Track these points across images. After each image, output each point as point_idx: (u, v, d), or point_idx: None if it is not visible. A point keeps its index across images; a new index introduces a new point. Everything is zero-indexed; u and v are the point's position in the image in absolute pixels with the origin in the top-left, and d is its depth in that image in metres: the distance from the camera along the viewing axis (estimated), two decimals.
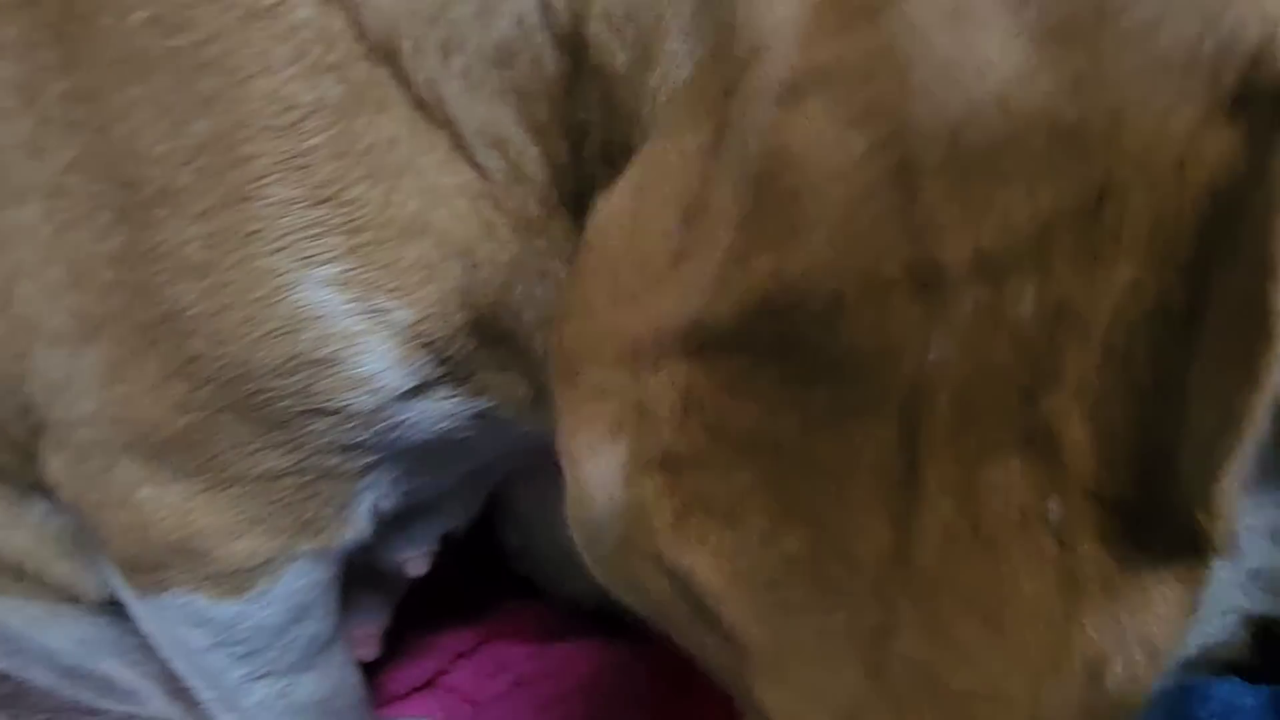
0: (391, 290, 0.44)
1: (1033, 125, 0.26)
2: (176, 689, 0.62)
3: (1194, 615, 0.31)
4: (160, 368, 0.47)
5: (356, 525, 0.53)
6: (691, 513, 0.32)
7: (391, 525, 0.55)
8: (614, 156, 0.41)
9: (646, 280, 0.30)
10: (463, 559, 0.70)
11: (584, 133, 0.41)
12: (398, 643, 0.72)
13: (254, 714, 0.59)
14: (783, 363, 0.30)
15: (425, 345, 0.45)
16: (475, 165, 0.43)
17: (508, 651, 0.75)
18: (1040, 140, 0.26)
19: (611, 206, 0.31)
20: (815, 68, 0.27)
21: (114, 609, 0.59)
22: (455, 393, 0.47)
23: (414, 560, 0.64)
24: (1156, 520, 0.29)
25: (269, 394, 0.46)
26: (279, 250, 0.44)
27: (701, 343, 0.30)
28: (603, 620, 0.79)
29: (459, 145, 0.43)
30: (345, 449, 0.48)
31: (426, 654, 0.75)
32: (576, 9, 0.39)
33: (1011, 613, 0.30)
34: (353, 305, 0.44)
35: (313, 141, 0.43)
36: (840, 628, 0.32)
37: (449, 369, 0.46)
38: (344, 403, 0.46)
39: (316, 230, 0.44)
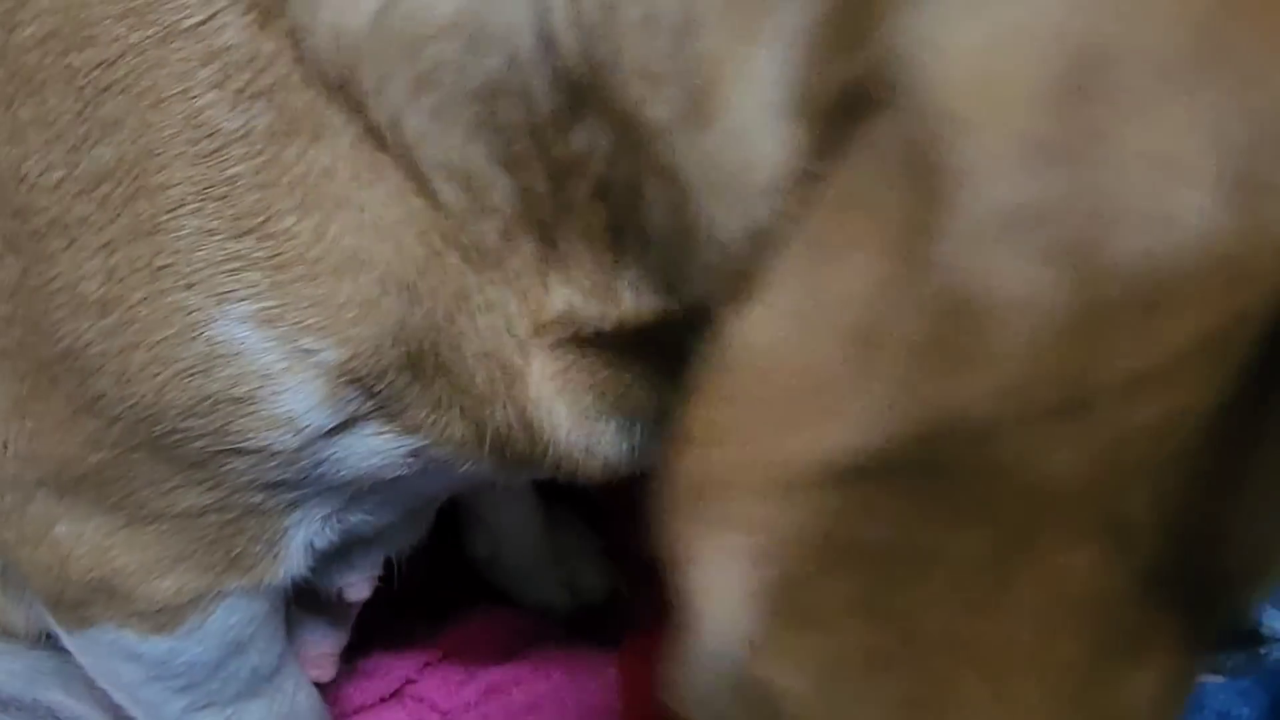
0: (320, 329, 0.41)
1: (1212, 267, 0.26)
2: (124, 717, 0.58)
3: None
4: (66, 404, 0.44)
5: (289, 561, 0.50)
6: (791, 625, 0.31)
7: (329, 554, 0.52)
8: (614, 195, 0.39)
9: (818, 408, 0.29)
10: (429, 567, 0.69)
11: (575, 169, 0.39)
12: (364, 652, 0.71)
13: None
14: (924, 485, 0.29)
15: (353, 382, 0.43)
16: (429, 196, 0.40)
17: (477, 659, 0.73)
18: (1214, 278, 0.26)
19: (764, 330, 0.30)
20: (1020, 205, 0.27)
21: (50, 641, 0.57)
22: (384, 429, 0.45)
23: (355, 585, 0.61)
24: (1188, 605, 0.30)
25: (182, 434, 0.43)
26: (192, 285, 0.41)
27: (857, 469, 0.29)
28: (573, 627, 0.78)
29: (413, 176, 0.40)
30: (268, 486, 0.46)
31: (394, 663, 0.73)
32: (595, 57, 0.36)
33: (1068, 682, 0.31)
34: (274, 344, 0.41)
35: (235, 170, 0.40)
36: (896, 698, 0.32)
37: (378, 404, 0.44)
38: (264, 442, 0.43)
39: (236, 264, 0.41)
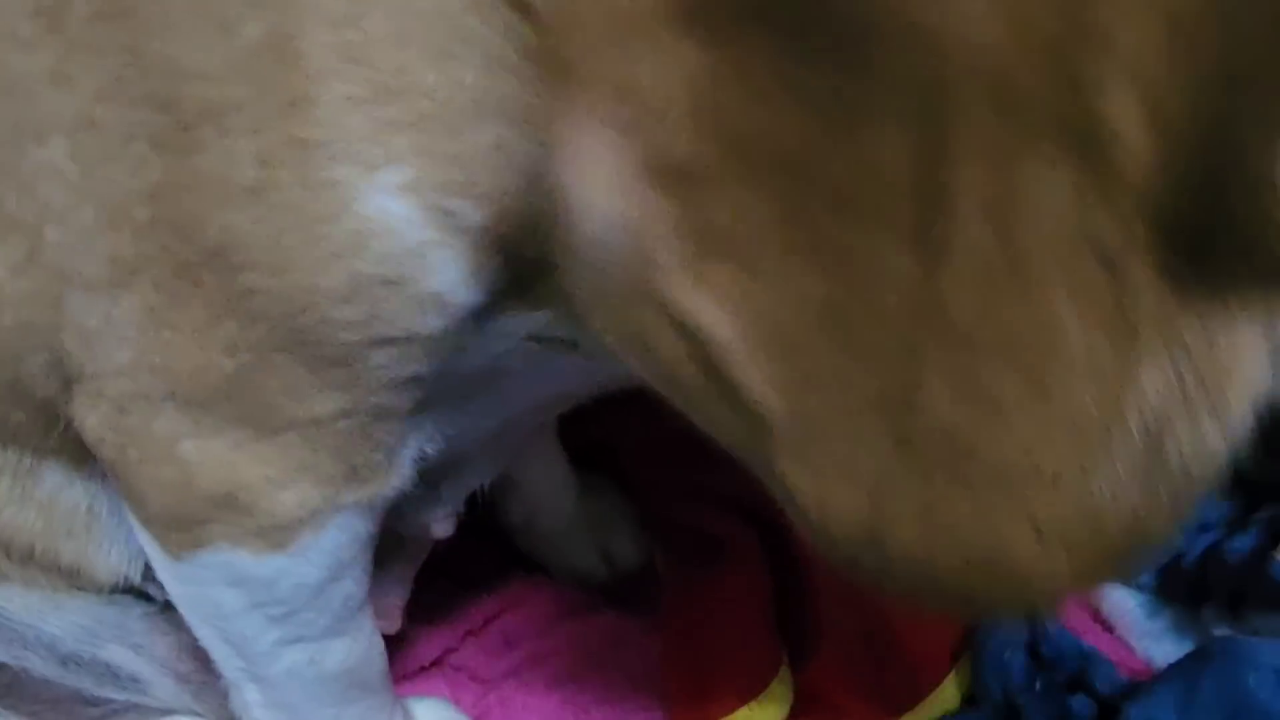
0: (464, 187, 0.41)
1: None
2: (184, 673, 0.60)
3: (1273, 360, 0.25)
4: (206, 309, 0.44)
5: (401, 473, 0.50)
6: (702, 248, 0.29)
7: (420, 485, 0.53)
8: None
9: None
10: (468, 538, 0.69)
11: None
12: (405, 622, 0.71)
13: (281, 682, 0.56)
14: (797, 45, 0.25)
15: (497, 246, 0.42)
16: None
17: (516, 629, 0.74)
18: None
19: None
20: None
21: (120, 592, 0.57)
22: (518, 306, 0.45)
23: (440, 522, 0.62)
24: (1225, 240, 0.24)
25: (329, 326, 0.43)
26: (339, 158, 0.40)
27: (707, 11, 0.26)
28: (611, 595, 0.78)
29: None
30: (402, 384, 0.46)
31: (434, 633, 0.74)
32: None
33: (1055, 364, 0.25)
34: (421, 214, 0.41)
35: (374, 29, 0.39)
36: (865, 392, 0.28)
37: (515, 273, 0.43)
38: (411, 327, 0.43)
39: (380, 130, 0.40)
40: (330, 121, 0.40)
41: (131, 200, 0.44)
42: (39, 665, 0.60)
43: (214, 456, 0.48)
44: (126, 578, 0.57)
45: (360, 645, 0.57)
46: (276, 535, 0.50)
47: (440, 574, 0.70)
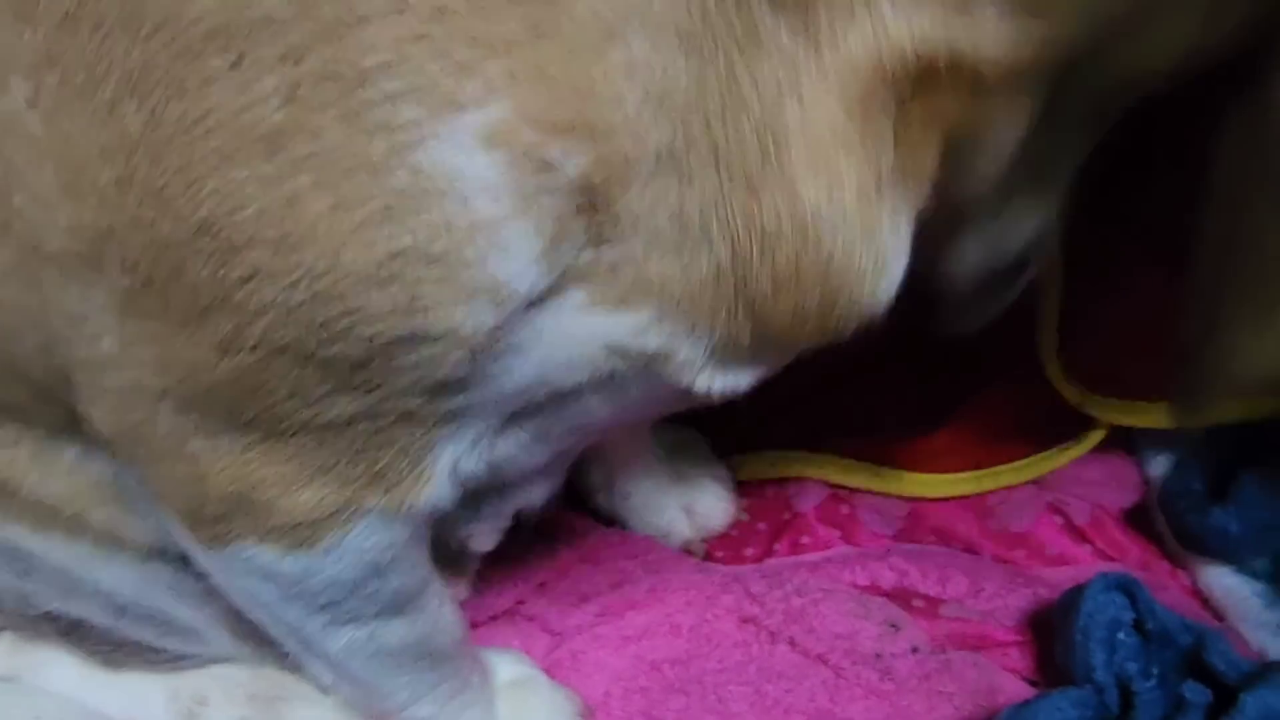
0: (570, 128, 0.33)
1: None
2: (242, 629, 0.56)
3: None
4: (192, 298, 0.36)
5: (433, 485, 0.43)
6: None
7: (459, 503, 0.47)
8: None
9: None
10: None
11: None
12: (478, 571, 0.69)
13: (341, 658, 0.52)
14: None
15: (590, 207, 0.34)
16: None
17: (591, 582, 0.70)
18: None
19: None
20: None
21: (164, 553, 0.53)
22: (593, 301, 0.37)
23: (479, 537, 0.57)
24: None
25: (353, 317, 0.35)
26: (407, 92, 0.32)
27: None
28: (688, 554, 0.76)
29: None
30: (431, 389, 0.38)
31: (506, 582, 0.70)
32: None
33: None
34: (502, 170, 0.33)
35: None
36: None
37: (599, 252, 0.36)
38: (452, 320, 0.35)
39: (475, 54, 0.32)
40: (403, 40, 0.32)
41: (95, 157, 0.35)
42: (98, 614, 0.57)
43: (224, 455, 0.41)
44: (163, 544, 0.52)
45: (424, 622, 0.52)
46: (299, 534, 0.44)
47: (515, 525, 0.68)
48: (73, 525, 0.51)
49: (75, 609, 0.56)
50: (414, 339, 0.36)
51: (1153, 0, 0.33)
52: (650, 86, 0.33)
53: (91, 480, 0.49)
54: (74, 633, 0.58)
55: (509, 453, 0.46)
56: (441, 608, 0.53)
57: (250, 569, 0.46)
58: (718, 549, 0.75)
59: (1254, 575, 0.66)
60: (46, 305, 0.39)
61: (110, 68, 0.33)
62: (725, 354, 0.41)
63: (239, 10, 0.32)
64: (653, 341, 0.39)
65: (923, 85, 0.36)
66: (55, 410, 0.45)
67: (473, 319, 0.36)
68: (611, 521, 0.76)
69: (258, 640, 0.56)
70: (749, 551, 0.74)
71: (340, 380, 0.37)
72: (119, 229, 0.35)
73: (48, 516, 0.51)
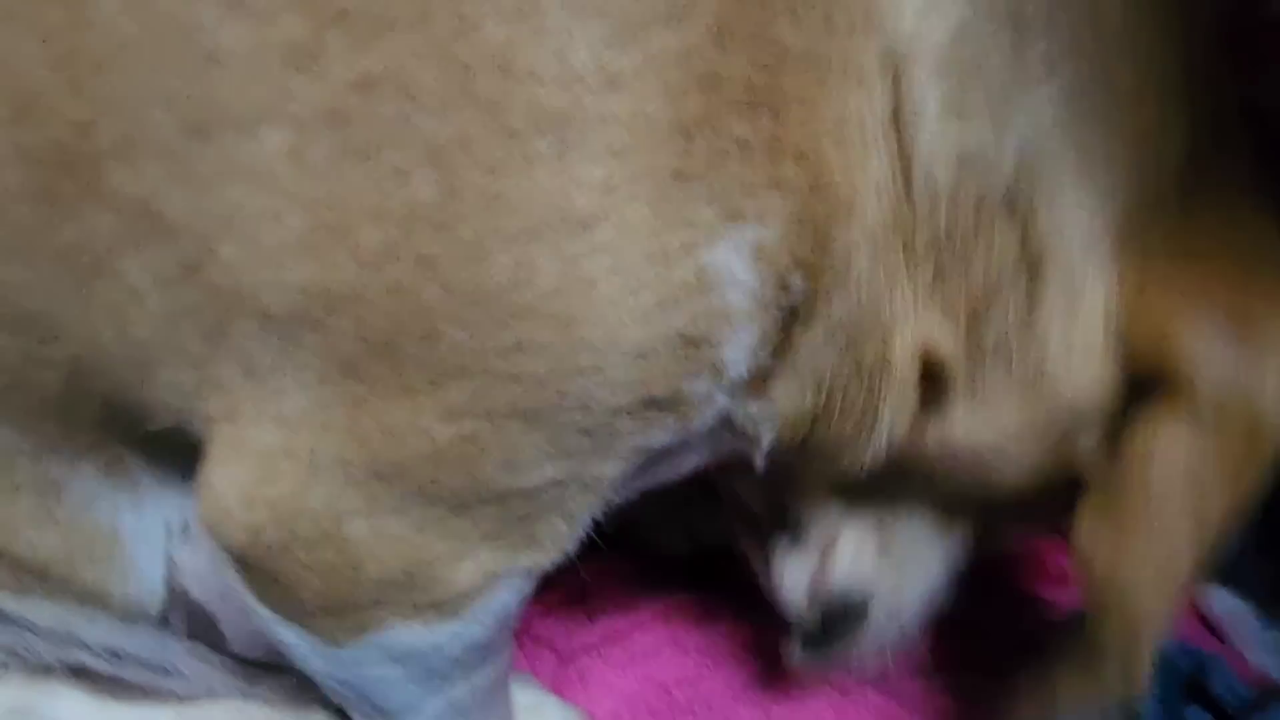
0: (807, 267, 0.37)
1: None
2: (238, 678, 0.56)
3: None
4: (433, 366, 0.36)
5: (576, 538, 0.44)
6: None
7: None
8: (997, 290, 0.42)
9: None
10: None
11: (986, 244, 0.42)
12: None
13: (436, 717, 0.50)
14: None
15: (788, 317, 0.39)
16: (907, 180, 0.40)
17: (598, 604, 0.70)
18: None
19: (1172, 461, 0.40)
20: None
21: (145, 617, 0.51)
22: (758, 395, 0.42)
23: None
24: None
25: (606, 388, 0.37)
26: (712, 200, 0.35)
27: None
28: (695, 573, 0.76)
29: (904, 157, 0.40)
30: (630, 453, 0.40)
31: None
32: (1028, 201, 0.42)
33: None
34: (761, 279, 0.37)
35: (788, 81, 0.35)
36: None
37: (779, 355, 0.41)
38: (682, 391, 0.38)
39: (763, 183, 0.36)
40: (711, 156, 0.35)
41: (364, 220, 0.35)
42: (94, 663, 0.55)
43: (390, 536, 0.40)
44: (147, 610, 0.50)
45: (502, 664, 0.53)
46: (452, 605, 0.43)
47: None
48: (55, 587, 0.49)
49: (72, 658, 0.55)
50: (647, 405, 0.38)
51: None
52: (870, 249, 0.40)
53: (87, 535, 0.47)
54: (78, 674, 0.58)
55: (628, 494, 0.48)
56: (508, 650, 0.53)
57: (383, 655, 0.44)
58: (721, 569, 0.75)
59: (1254, 596, 0.67)
60: (214, 354, 0.38)
61: (409, 136, 0.33)
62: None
63: (573, 103, 0.33)
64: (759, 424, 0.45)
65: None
66: (104, 447, 0.43)
67: (697, 391, 0.38)
68: (617, 541, 0.76)
69: (255, 683, 0.56)
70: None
71: (558, 446, 0.38)
72: (369, 292, 0.35)
73: (32, 578, 0.49)
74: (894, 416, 0.44)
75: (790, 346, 0.40)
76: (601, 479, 0.41)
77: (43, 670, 0.59)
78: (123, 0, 0.35)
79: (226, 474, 0.40)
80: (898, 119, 0.39)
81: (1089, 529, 0.43)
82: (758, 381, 0.41)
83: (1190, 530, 0.41)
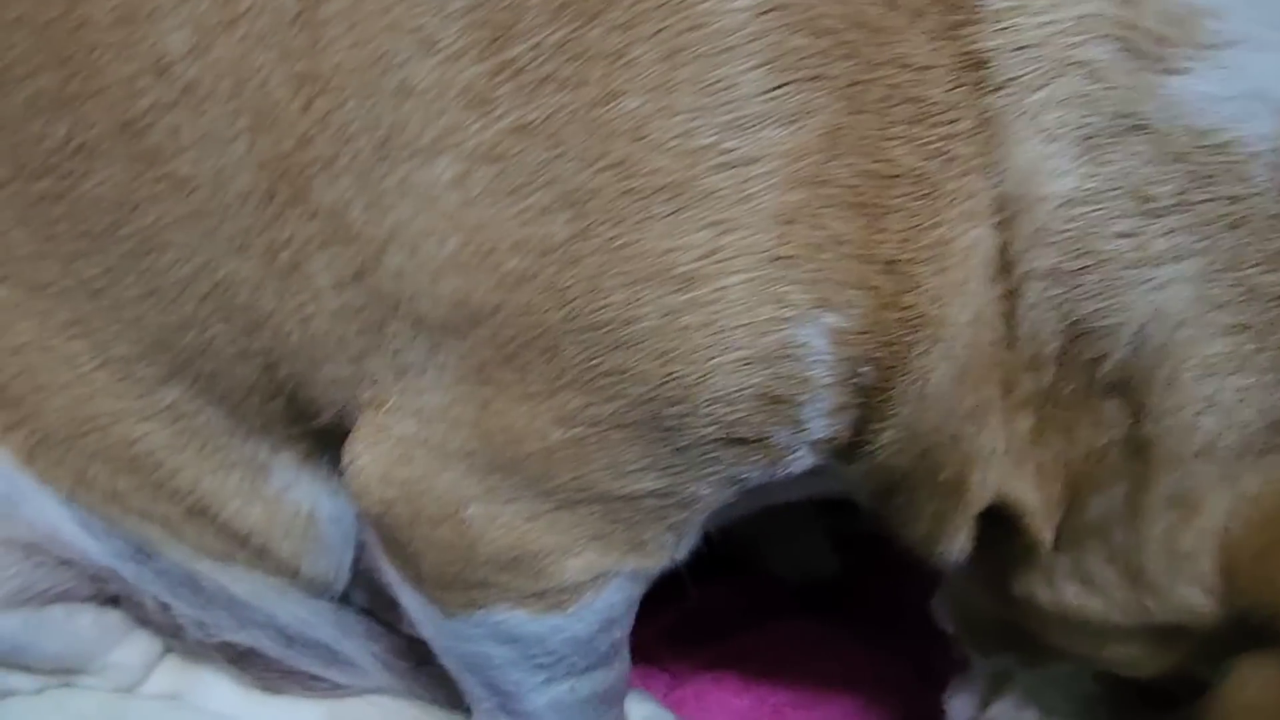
0: (876, 362, 0.41)
1: None
2: (400, 669, 0.59)
3: None
4: (552, 377, 0.41)
5: (685, 550, 0.49)
6: None
7: None
8: (1097, 466, 0.43)
9: None
10: None
11: (1090, 413, 0.42)
12: None
13: (540, 714, 0.54)
14: None
15: (865, 406, 0.43)
16: (1010, 326, 0.42)
17: (711, 626, 0.72)
18: None
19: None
20: None
21: (331, 590, 0.56)
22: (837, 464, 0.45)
23: None
24: None
25: (695, 419, 0.41)
26: (799, 283, 0.39)
27: None
28: (808, 599, 0.76)
29: (1008, 305, 0.42)
30: (724, 481, 0.44)
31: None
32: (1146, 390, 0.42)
33: None
34: (833, 360, 0.41)
35: (896, 199, 0.39)
36: None
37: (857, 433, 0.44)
38: (764, 436, 0.42)
39: (852, 281, 0.40)
40: (809, 246, 0.39)
41: (509, 247, 0.40)
42: (268, 645, 0.60)
43: (502, 522, 0.45)
44: (326, 587, 0.56)
45: (617, 671, 0.56)
46: (557, 597, 0.48)
47: None
48: (255, 556, 0.55)
49: (248, 639, 0.60)
50: (733, 442, 0.42)
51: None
52: (927, 380, 0.42)
53: (288, 513, 0.54)
54: (242, 660, 0.62)
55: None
56: (625, 657, 0.57)
57: (491, 634, 0.49)
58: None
59: None
60: (372, 349, 0.45)
61: (553, 181, 0.39)
62: None
63: (697, 177, 0.39)
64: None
65: None
66: (299, 434, 0.50)
67: (779, 440, 0.42)
68: (731, 566, 0.78)
69: (414, 676, 0.60)
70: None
71: (656, 461, 0.43)
72: (506, 309, 0.41)
73: (235, 545, 0.55)
74: (958, 535, 0.45)
75: (868, 428, 0.43)
76: (698, 498, 0.45)
77: (199, 658, 0.63)
78: (348, 28, 0.41)
79: (370, 453, 0.46)
80: (1006, 265, 0.40)
81: None
82: (845, 448, 0.44)
83: None
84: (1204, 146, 0.39)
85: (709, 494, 0.45)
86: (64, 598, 0.59)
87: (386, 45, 0.41)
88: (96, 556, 0.57)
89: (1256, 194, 0.39)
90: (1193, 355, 0.40)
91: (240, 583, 0.56)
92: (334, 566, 0.55)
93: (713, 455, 0.43)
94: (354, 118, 0.42)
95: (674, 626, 0.74)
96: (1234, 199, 0.39)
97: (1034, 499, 0.43)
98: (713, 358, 0.40)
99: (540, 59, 0.39)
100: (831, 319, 0.40)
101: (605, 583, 0.48)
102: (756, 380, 0.41)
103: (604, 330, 0.40)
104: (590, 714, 0.56)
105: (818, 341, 0.40)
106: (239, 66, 0.43)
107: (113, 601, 0.61)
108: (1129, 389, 0.41)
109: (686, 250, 0.39)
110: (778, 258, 0.39)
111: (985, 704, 0.54)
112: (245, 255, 0.46)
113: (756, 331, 0.40)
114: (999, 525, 0.45)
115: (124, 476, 0.54)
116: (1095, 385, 0.41)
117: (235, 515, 0.54)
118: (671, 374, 0.40)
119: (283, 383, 0.49)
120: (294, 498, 0.53)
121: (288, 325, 0.46)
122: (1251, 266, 0.39)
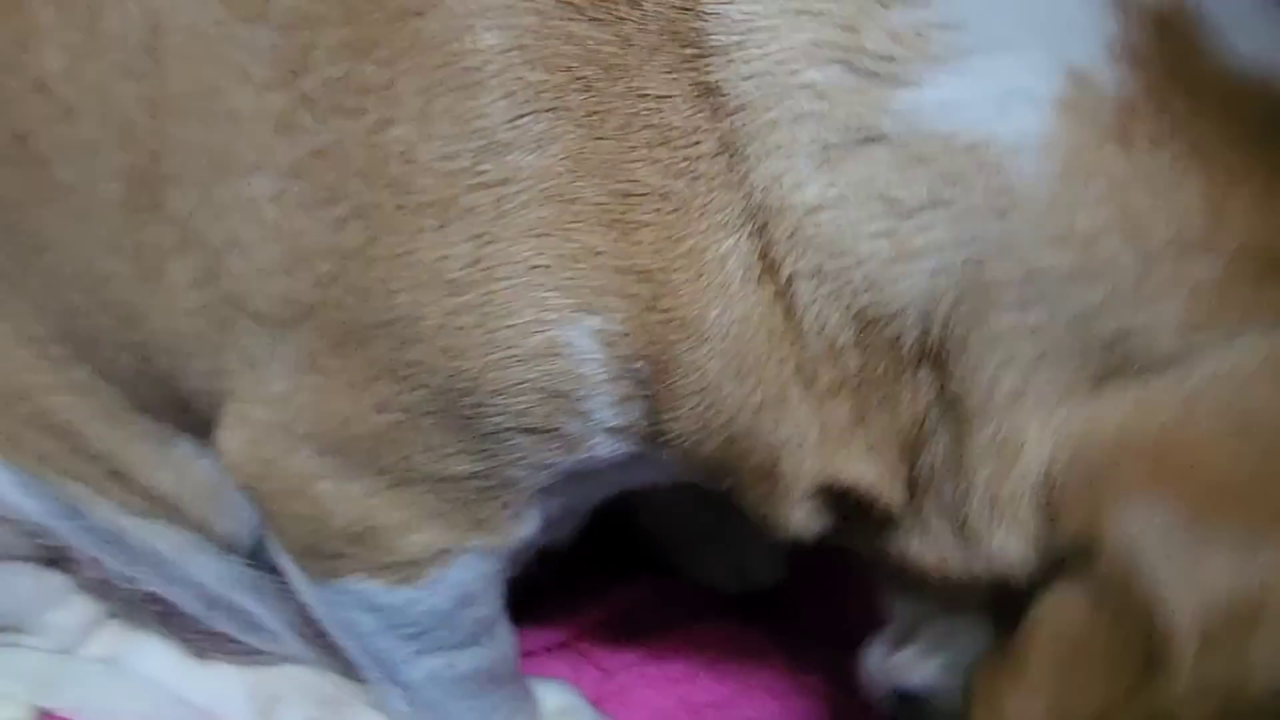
0: (650, 360, 0.44)
1: None
2: (311, 633, 0.61)
3: None
4: (367, 366, 0.46)
5: (528, 528, 0.52)
6: None
7: None
8: (924, 434, 0.44)
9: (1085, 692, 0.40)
10: (607, 530, 0.70)
11: (907, 388, 0.44)
12: (538, 603, 0.73)
13: (419, 685, 0.58)
14: None
15: (649, 397, 0.45)
16: (793, 321, 0.44)
17: (642, 624, 0.74)
18: None
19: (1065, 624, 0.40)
20: None
21: (240, 550, 0.59)
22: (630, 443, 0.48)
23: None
24: None
25: (487, 409, 0.45)
26: (559, 289, 0.43)
27: None
28: (744, 607, 0.76)
29: (786, 302, 0.44)
30: (536, 466, 0.48)
31: (565, 618, 0.75)
32: (955, 362, 0.43)
33: None
34: (605, 362, 0.44)
35: (644, 217, 0.43)
36: None
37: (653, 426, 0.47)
38: (558, 426, 0.46)
39: (610, 289, 0.43)
40: (562, 257, 0.43)
41: (319, 253, 0.45)
42: (189, 602, 0.63)
43: (349, 498, 0.50)
44: (242, 543, 0.59)
45: (494, 650, 0.59)
46: (406, 570, 0.52)
47: (580, 560, 0.72)
48: (171, 514, 0.59)
49: (172, 594, 0.63)
50: (527, 431, 0.46)
51: None
52: (713, 392, 0.45)
53: (195, 479, 0.57)
54: (171, 619, 0.64)
55: (578, 500, 0.54)
56: (506, 639, 0.60)
57: (355, 601, 0.54)
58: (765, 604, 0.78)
59: None
60: (227, 344, 0.49)
61: (347, 196, 0.44)
62: None
63: (458, 195, 0.43)
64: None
65: None
66: (188, 418, 0.53)
67: (573, 430, 0.46)
68: (666, 570, 0.79)
69: (325, 646, 0.62)
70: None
71: (466, 445, 0.47)
72: (324, 307, 0.46)
73: (153, 503, 0.59)
74: (793, 515, 0.48)
75: (660, 418, 0.46)
76: (516, 479, 0.49)
77: (138, 621, 0.66)
78: (185, 60, 0.46)
79: (234, 438, 0.51)
80: (769, 267, 0.43)
81: (980, 676, 0.43)
82: (649, 435, 0.47)
83: (1055, 710, 0.41)
84: (951, 149, 0.41)
85: (525, 476, 0.48)
86: (3, 555, 0.62)
87: (215, 76, 0.46)
88: (32, 514, 0.60)
89: (1027, 183, 0.40)
90: (981, 326, 0.41)
91: (162, 538, 0.60)
92: (244, 525, 0.58)
93: (513, 442, 0.46)
94: (194, 137, 0.47)
95: (607, 621, 0.75)
96: (999, 191, 0.40)
97: (871, 473, 0.45)
98: (488, 355, 0.44)
99: (329, 91, 0.44)
100: (594, 321, 0.44)
101: (453, 558, 0.52)
102: (532, 376, 0.45)
103: (400, 326, 0.44)
104: (474, 690, 0.60)
105: (583, 342, 0.44)
106: (103, 88, 0.48)
107: (52, 563, 0.64)
108: (933, 357, 0.43)
109: (454, 260, 0.43)
110: (534, 266, 0.43)
111: (896, 650, 0.56)
112: (118, 256, 0.50)
113: (523, 332, 0.44)
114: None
115: (50, 441, 0.57)
116: (904, 360, 0.43)
117: (149, 479, 0.57)
118: (458, 368, 0.44)
119: (162, 374, 0.53)
120: (200, 464, 0.57)
121: (156, 321, 0.51)
122: (1030, 248, 0.40)
